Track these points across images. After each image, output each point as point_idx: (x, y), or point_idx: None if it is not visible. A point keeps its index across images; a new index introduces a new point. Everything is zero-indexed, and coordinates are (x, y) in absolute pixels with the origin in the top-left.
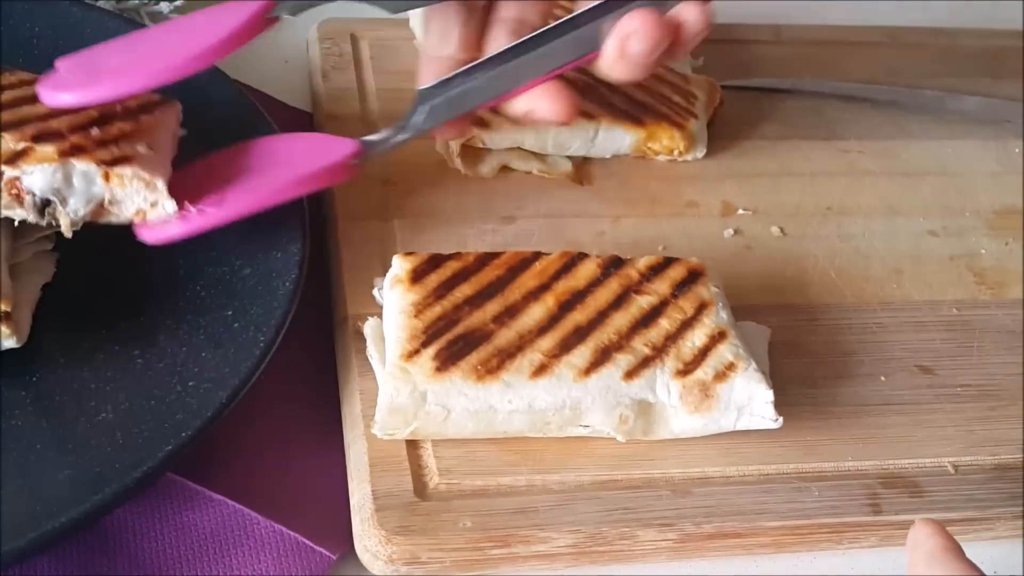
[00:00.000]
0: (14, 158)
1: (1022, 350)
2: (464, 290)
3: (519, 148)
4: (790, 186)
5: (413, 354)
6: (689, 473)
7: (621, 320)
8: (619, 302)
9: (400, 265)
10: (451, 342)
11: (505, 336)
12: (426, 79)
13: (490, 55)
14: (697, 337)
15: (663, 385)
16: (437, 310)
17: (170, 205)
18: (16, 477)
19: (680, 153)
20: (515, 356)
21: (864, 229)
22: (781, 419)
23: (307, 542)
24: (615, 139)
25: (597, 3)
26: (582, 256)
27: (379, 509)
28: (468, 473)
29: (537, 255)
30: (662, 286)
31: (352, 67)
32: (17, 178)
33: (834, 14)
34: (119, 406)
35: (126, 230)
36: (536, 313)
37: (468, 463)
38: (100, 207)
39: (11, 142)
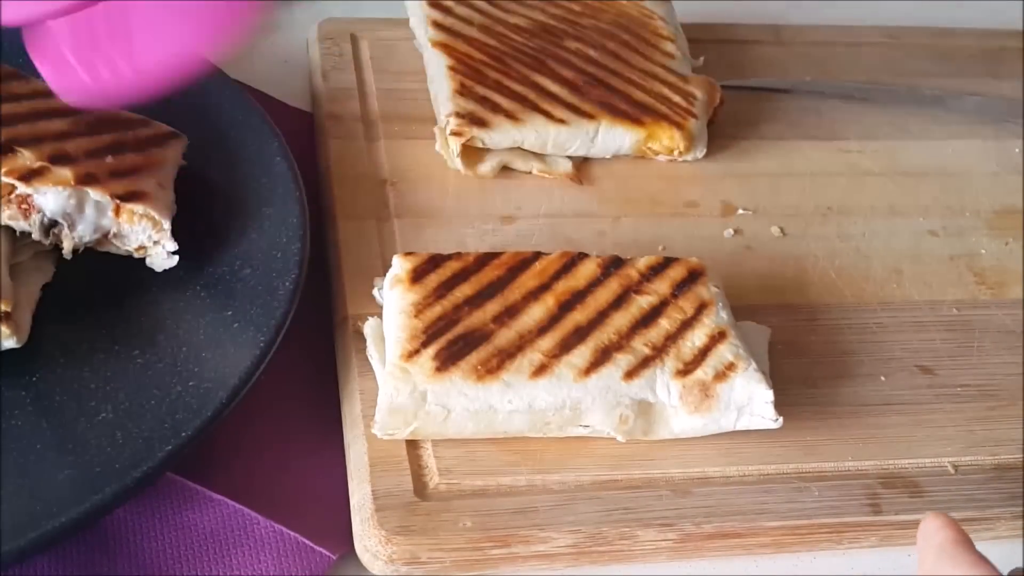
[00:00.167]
0: (30, 175)
1: (1022, 350)
2: (464, 290)
3: (519, 148)
4: (790, 186)
5: (413, 354)
6: (689, 473)
7: (621, 320)
8: (619, 302)
9: (400, 265)
10: (451, 342)
11: (505, 336)
12: None
13: None
14: (697, 337)
15: (663, 385)
16: (437, 310)
17: (171, 245)
18: (16, 477)
19: (680, 153)
20: (515, 356)
21: (864, 229)
22: (781, 419)
23: (307, 542)
24: (615, 139)
25: None
26: (582, 256)
27: (379, 509)
28: (468, 473)
29: (537, 255)
30: (662, 286)
31: (352, 67)
32: (29, 195)
33: (834, 14)
34: (119, 406)
35: None
36: (536, 313)
37: (468, 463)
38: (104, 237)
39: (29, 160)
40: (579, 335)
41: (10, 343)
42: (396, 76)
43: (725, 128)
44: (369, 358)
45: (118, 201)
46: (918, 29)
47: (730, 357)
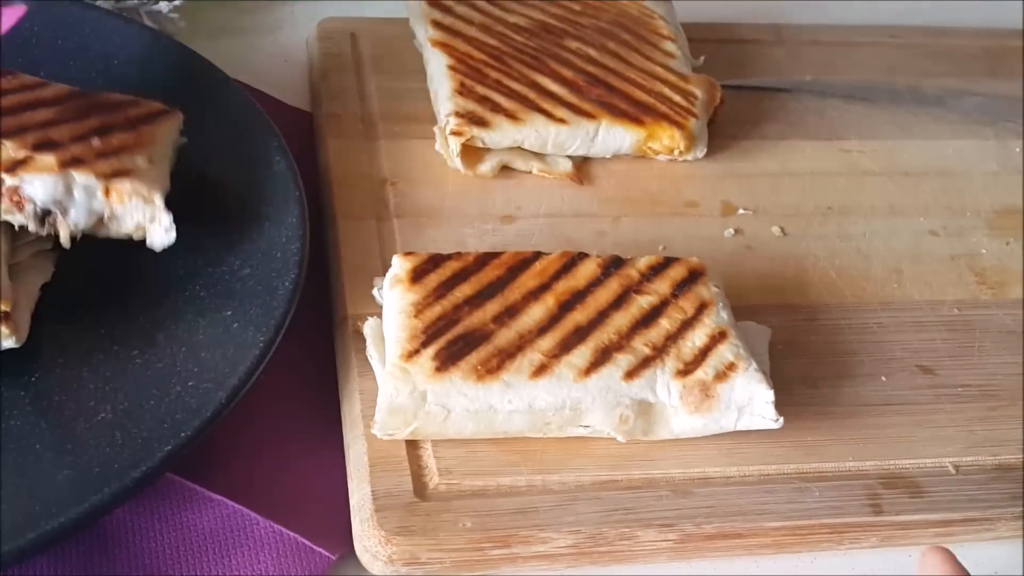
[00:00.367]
0: (14, 166)
1: (1023, 350)
2: (464, 290)
3: (519, 148)
4: (790, 186)
5: (413, 354)
6: (690, 473)
7: (621, 320)
8: (619, 302)
9: (400, 265)
10: (451, 342)
11: (505, 336)
12: None
13: None
14: (697, 337)
15: (663, 385)
16: (437, 310)
17: (166, 219)
18: (16, 477)
19: (680, 153)
20: (515, 356)
21: (864, 229)
22: (782, 419)
23: (306, 542)
24: (615, 139)
25: None
26: (582, 256)
27: (379, 509)
28: (468, 473)
29: (537, 255)
30: (662, 286)
31: (352, 67)
32: (18, 187)
33: (834, 14)
34: (118, 406)
35: None
36: (536, 313)
37: (468, 463)
38: (100, 221)
39: (11, 150)
40: (579, 335)
41: (9, 343)
42: (396, 76)
43: (725, 128)
44: (369, 358)
45: (105, 180)
46: (918, 29)
47: (730, 357)
